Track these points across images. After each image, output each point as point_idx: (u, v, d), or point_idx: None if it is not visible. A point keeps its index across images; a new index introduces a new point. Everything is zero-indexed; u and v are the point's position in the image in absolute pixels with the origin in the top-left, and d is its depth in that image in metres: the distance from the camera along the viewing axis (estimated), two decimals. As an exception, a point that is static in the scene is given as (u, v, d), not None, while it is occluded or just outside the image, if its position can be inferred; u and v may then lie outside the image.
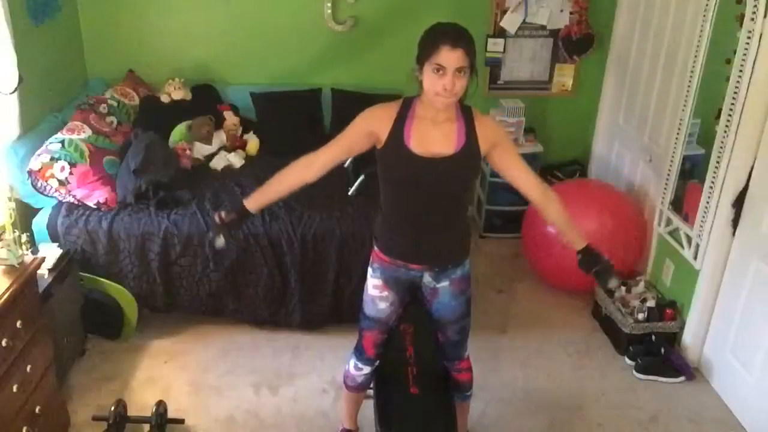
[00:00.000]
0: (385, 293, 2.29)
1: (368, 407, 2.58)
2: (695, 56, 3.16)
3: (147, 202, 3.31)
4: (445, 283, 2.28)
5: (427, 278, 2.28)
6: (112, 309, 3.23)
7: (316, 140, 4.08)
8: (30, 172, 3.17)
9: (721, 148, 2.94)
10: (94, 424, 2.75)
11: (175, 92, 4.07)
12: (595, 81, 4.40)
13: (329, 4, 4.14)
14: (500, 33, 4.29)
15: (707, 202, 3.06)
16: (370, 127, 2.12)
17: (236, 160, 3.88)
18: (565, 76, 4.46)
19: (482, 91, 4.31)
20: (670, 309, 3.33)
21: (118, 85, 4.00)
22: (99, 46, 4.18)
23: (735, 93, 2.84)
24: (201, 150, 3.88)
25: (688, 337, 3.28)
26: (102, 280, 3.19)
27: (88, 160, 3.26)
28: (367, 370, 2.45)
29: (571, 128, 4.59)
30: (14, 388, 2.29)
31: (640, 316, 3.31)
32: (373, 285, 2.30)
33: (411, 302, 2.39)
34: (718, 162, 2.97)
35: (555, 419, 2.95)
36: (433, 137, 2.07)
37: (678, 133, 3.33)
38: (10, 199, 2.51)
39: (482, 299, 3.64)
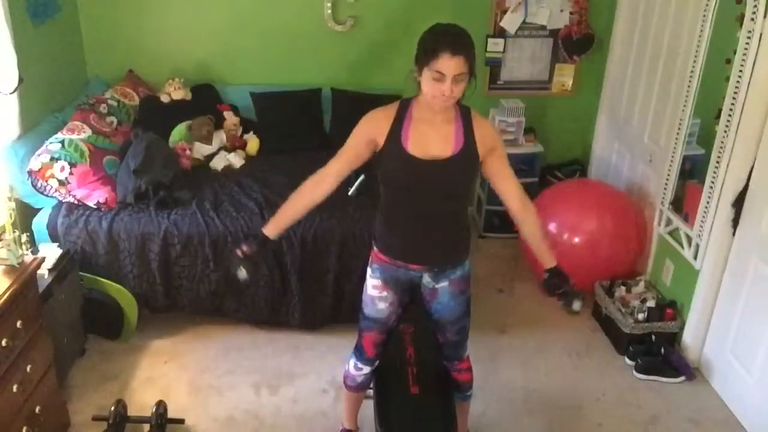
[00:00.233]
0: (385, 293, 2.29)
1: (368, 407, 2.58)
2: (695, 56, 3.16)
3: (147, 202, 3.31)
4: (444, 284, 2.28)
5: (427, 278, 2.28)
6: (112, 309, 3.23)
7: (316, 140, 4.18)
8: (30, 172, 3.17)
9: (721, 148, 2.94)
10: (94, 424, 2.75)
11: (175, 92, 4.07)
12: (595, 81, 4.40)
13: (329, 4, 4.14)
14: (500, 33, 4.29)
15: (707, 202, 3.06)
16: (369, 134, 2.12)
17: (236, 160, 3.88)
18: (565, 76, 4.46)
19: (482, 91, 4.31)
20: (670, 309, 3.33)
21: (118, 85, 4.00)
22: (99, 46, 4.17)
23: (735, 93, 2.84)
24: (201, 150, 3.88)
25: (688, 337, 3.28)
26: (102, 280, 3.19)
27: (88, 160, 3.27)
28: (366, 370, 2.45)
29: (571, 128, 4.60)
30: (14, 388, 2.29)
31: (640, 316, 3.31)
32: (373, 285, 2.30)
33: (411, 302, 2.39)
34: (718, 162, 2.97)
35: (555, 419, 2.95)
36: (431, 139, 2.07)
37: (678, 133, 3.33)
38: (10, 199, 2.51)
39: (482, 299, 3.63)
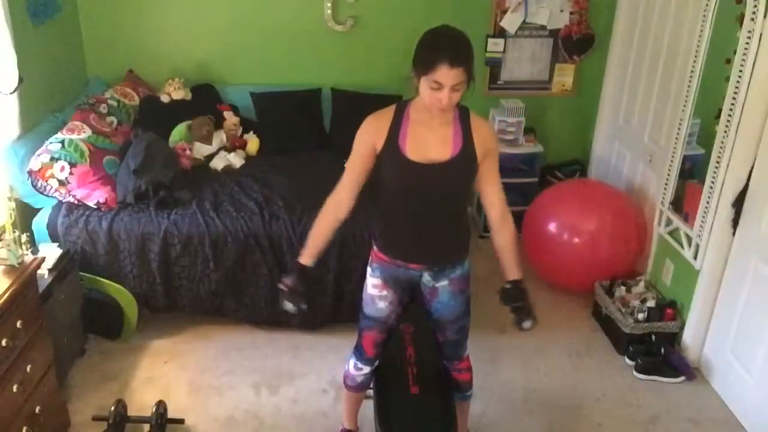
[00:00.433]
0: (385, 292, 2.29)
1: (368, 407, 2.58)
2: (695, 56, 3.16)
3: (147, 202, 3.31)
4: (444, 283, 2.28)
5: (427, 278, 2.28)
6: (112, 309, 3.23)
7: (315, 140, 4.18)
8: (30, 172, 3.17)
9: (721, 148, 2.94)
10: (94, 424, 2.75)
11: (175, 92, 4.07)
12: (595, 81, 4.40)
13: (329, 4, 4.14)
14: (500, 33, 4.29)
15: (707, 202, 3.06)
16: (369, 142, 2.12)
17: (236, 160, 3.88)
18: (565, 76, 4.46)
19: (482, 91, 4.32)
20: (670, 309, 3.33)
21: (118, 85, 4.00)
22: (99, 46, 4.18)
23: (735, 93, 2.84)
24: (201, 150, 3.88)
25: (688, 337, 3.28)
26: (102, 280, 3.19)
27: (88, 160, 3.27)
28: (366, 370, 2.45)
29: (571, 128, 4.60)
30: (14, 388, 2.29)
31: (640, 316, 3.31)
32: (373, 284, 2.30)
33: (411, 302, 2.39)
34: (718, 162, 2.97)
35: (555, 419, 2.95)
36: (429, 142, 2.07)
37: (678, 133, 3.33)
38: (10, 199, 2.51)
39: (482, 299, 3.63)
